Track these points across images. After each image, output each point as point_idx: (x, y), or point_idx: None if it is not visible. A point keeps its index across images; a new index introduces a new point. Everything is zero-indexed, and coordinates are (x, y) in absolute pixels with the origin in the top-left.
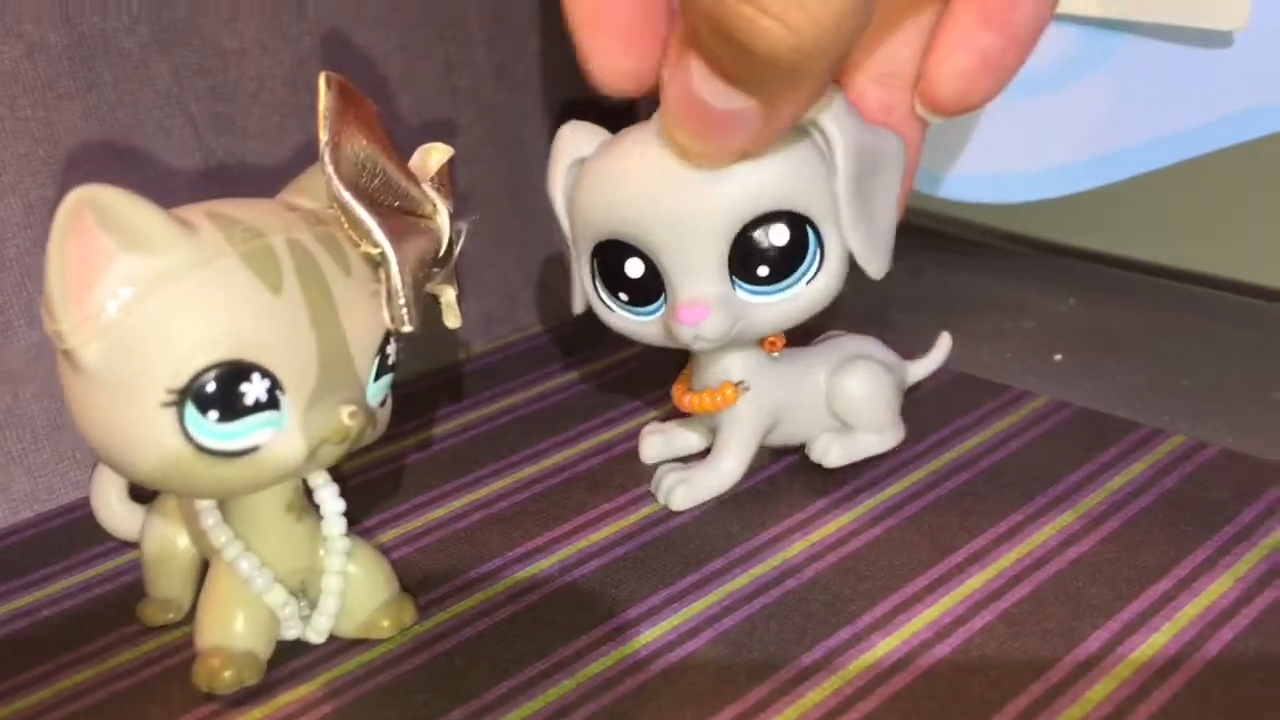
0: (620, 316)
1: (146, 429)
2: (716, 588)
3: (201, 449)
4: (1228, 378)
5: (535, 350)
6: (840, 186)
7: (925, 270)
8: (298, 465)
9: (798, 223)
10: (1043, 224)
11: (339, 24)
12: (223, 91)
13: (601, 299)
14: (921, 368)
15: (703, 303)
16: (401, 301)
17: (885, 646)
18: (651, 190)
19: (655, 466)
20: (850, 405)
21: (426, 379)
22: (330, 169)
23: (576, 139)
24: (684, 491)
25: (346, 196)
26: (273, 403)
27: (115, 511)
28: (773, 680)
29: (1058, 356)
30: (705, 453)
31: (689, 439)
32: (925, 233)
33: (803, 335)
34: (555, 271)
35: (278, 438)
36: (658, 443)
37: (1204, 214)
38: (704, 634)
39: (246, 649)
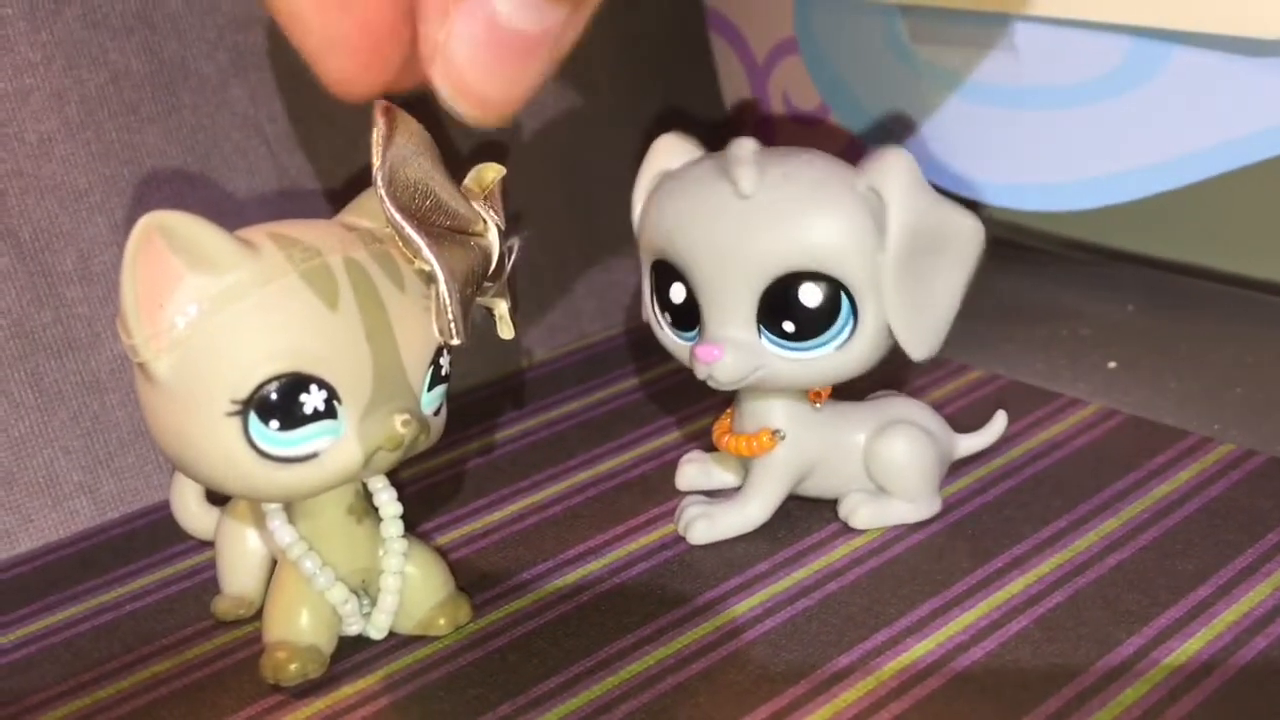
0: (666, 334)
1: (213, 437)
2: (760, 590)
3: (264, 455)
4: None
5: (595, 359)
6: (888, 261)
7: (982, 277)
8: (354, 471)
9: (833, 287)
10: (1103, 230)
11: None
12: (296, 113)
13: (655, 314)
14: (972, 443)
15: (720, 344)
16: (450, 316)
17: (920, 649)
18: (701, 222)
19: (686, 494)
20: (887, 470)
21: (489, 387)
22: (383, 192)
23: (669, 151)
24: (703, 526)
25: (399, 218)
26: (330, 412)
27: (193, 513)
28: (809, 680)
29: (1111, 364)
30: (737, 489)
31: (724, 475)
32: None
33: (853, 390)
34: (616, 283)
35: (335, 445)
36: (693, 473)
37: (1265, 221)
38: (745, 635)
39: (310, 643)
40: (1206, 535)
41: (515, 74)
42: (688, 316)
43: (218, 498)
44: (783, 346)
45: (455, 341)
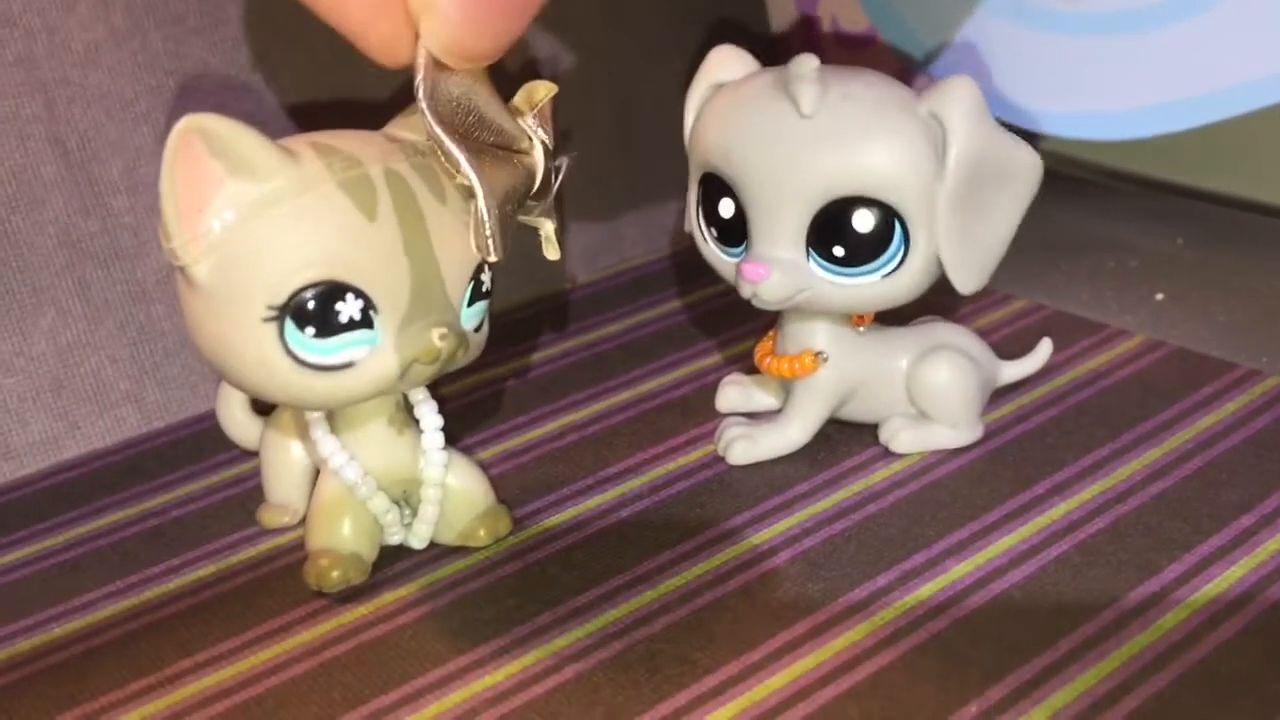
0: (710, 249)
1: (249, 342)
2: (799, 510)
3: (299, 362)
4: None
5: (637, 281)
6: (945, 190)
7: (1030, 207)
8: (390, 382)
9: (887, 214)
10: (1154, 163)
11: None
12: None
13: (700, 227)
14: (1015, 370)
15: (767, 263)
16: (487, 232)
17: (959, 571)
18: (758, 137)
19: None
20: (929, 395)
21: (531, 307)
22: (424, 105)
23: (723, 63)
24: (743, 447)
25: (439, 131)
26: (366, 322)
27: (239, 421)
28: (846, 599)
29: (1159, 296)
30: (778, 412)
31: (765, 396)
32: None
33: (897, 315)
34: (660, 208)
35: (372, 355)
36: (734, 394)
37: None
38: (782, 553)
39: (352, 551)
40: (1251, 466)
41: (502, 28)
42: (735, 232)
43: (263, 407)
44: (830, 271)
45: (492, 258)
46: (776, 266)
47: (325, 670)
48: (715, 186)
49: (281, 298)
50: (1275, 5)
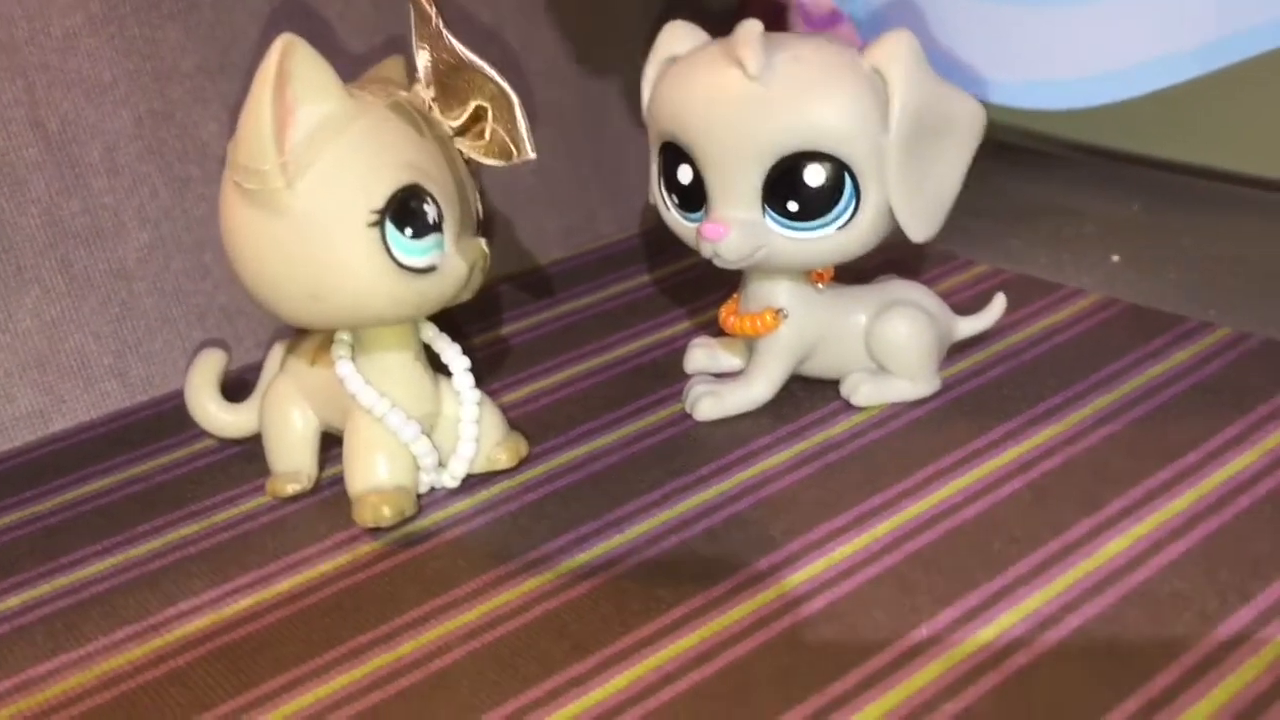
0: (672, 216)
1: (355, 251)
2: (762, 460)
3: (399, 265)
4: None
5: (610, 258)
6: (891, 142)
7: (989, 177)
8: (462, 284)
9: (837, 168)
10: (1111, 133)
11: None
12: (311, 9)
13: (662, 195)
14: (971, 325)
15: (726, 223)
16: (524, 131)
17: (914, 510)
18: (708, 103)
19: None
20: (888, 349)
21: (508, 281)
22: (448, 33)
23: (675, 37)
24: (710, 403)
25: (466, 53)
26: (439, 226)
27: (211, 414)
28: (803, 539)
29: (1115, 258)
30: (743, 372)
31: (730, 358)
32: (990, 140)
33: (856, 274)
34: (631, 187)
35: (446, 260)
36: (700, 356)
37: (1268, 119)
38: (745, 499)
39: (398, 484)
40: (1198, 409)
41: None
42: (694, 197)
43: (235, 397)
44: (786, 226)
45: (532, 155)
46: (734, 225)
47: (304, 615)
48: (673, 154)
49: (381, 200)
50: None
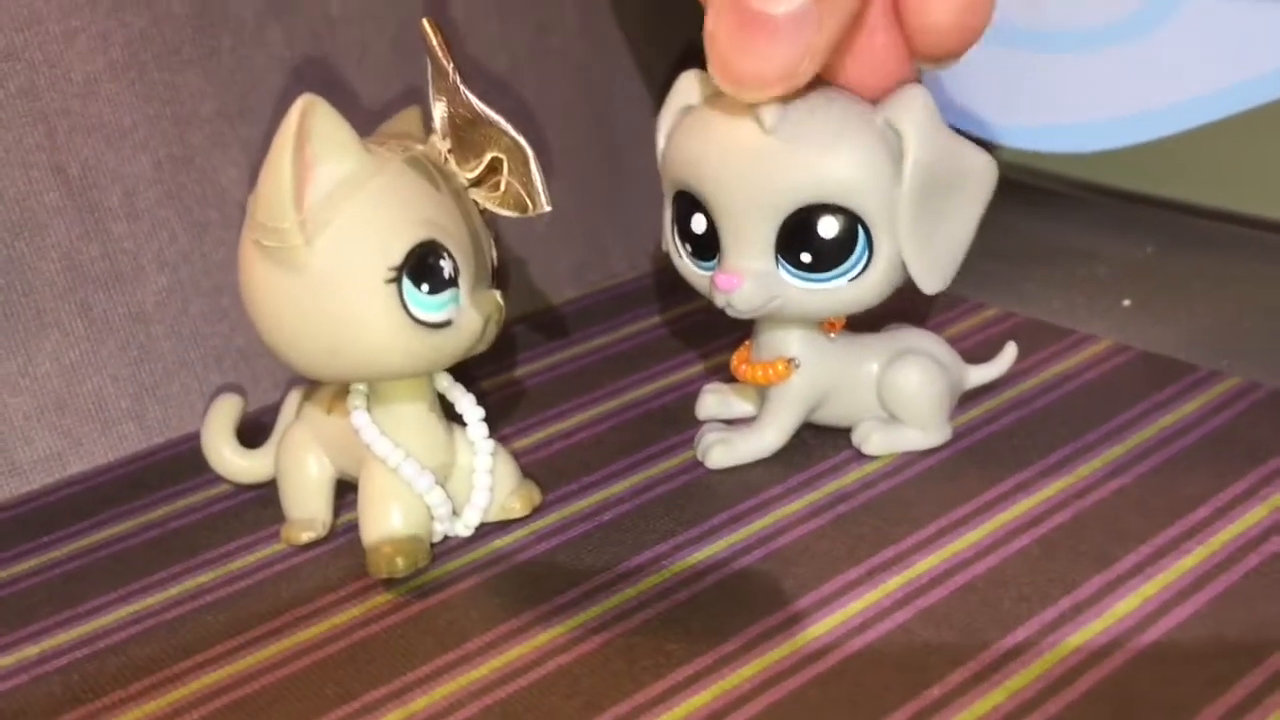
0: (685, 264)
1: (372, 307)
2: (773, 510)
3: (416, 321)
4: None
5: (623, 297)
6: (904, 195)
7: (1002, 218)
8: (477, 338)
9: (851, 220)
10: (1125, 174)
11: None
12: (330, 56)
13: (675, 243)
14: (982, 373)
15: (739, 273)
16: (539, 184)
17: (925, 565)
18: (722, 153)
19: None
20: (899, 399)
21: (520, 322)
22: (464, 88)
23: (690, 86)
24: (721, 451)
25: (482, 107)
26: (456, 281)
27: (227, 459)
28: (817, 593)
29: (1126, 302)
30: (755, 418)
31: (743, 404)
32: (1003, 181)
33: (867, 321)
34: (643, 225)
35: (461, 314)
36: (712, 402)
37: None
38: (756, 551)
39: (411, 534)
40: (1208, 462)
41: (764, 52)
42: (708, 246)
43: (250, 442)
44: (799, 277)
45: (547, 209)
46: (748, 276)
47: (319, 668)
48: (687, 203)
49: (399, 257)
50: (1228, 19)
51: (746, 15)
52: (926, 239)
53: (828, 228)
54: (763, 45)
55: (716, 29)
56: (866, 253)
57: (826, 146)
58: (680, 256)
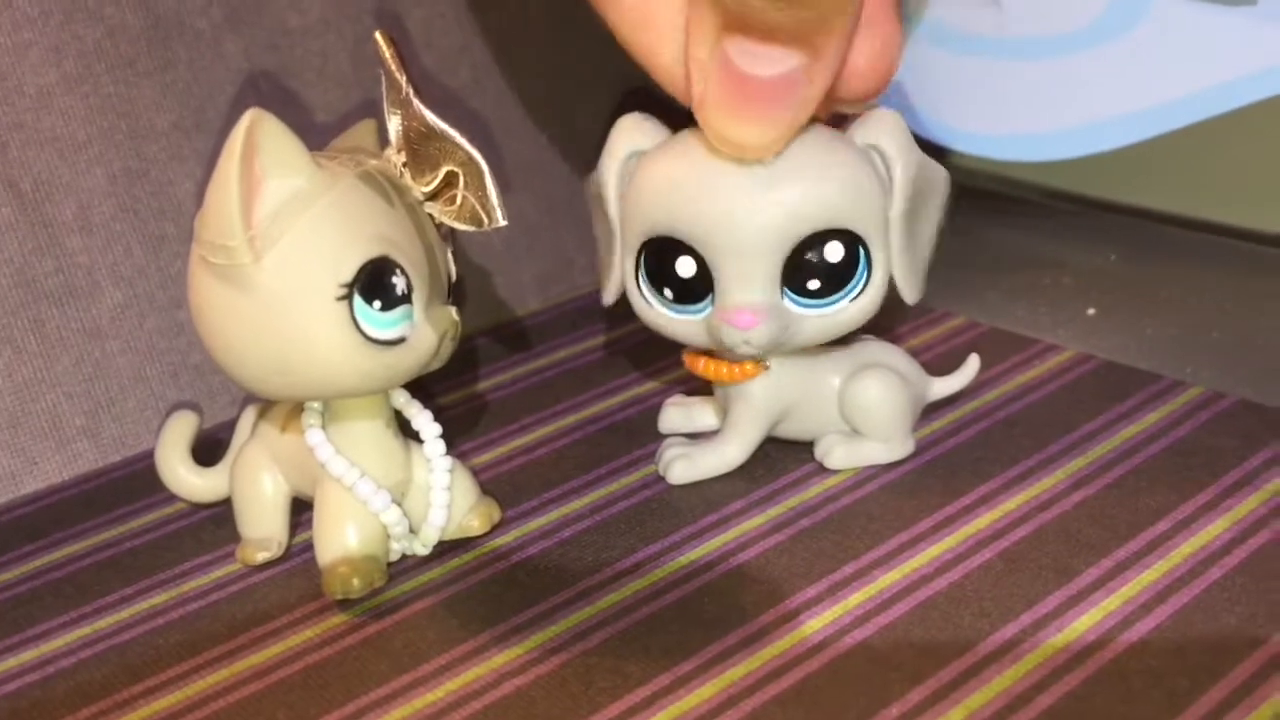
0: (658, 312)
1: (323, 325)
2: (735, 526)
3: (368, 339)
4: (1258, 331)
5: (586, 309)
6: (895, 212)
7: (966, 227)
8: (431, 355)
9: (851, 242)
10: (1088, 181)
11: (397, 2)
12: (288, 68)
13: (643, 294)
14: (945, 385)
15: (754, 310)
16: (494, 200)
17: (886, 580)
18: (714, 195)
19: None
20: (861, 412)
21: (482, 335)
22: (416, 100)
23: (635, 132)
24: (682, 466)
25: (436, 121)
26: (408, 298)
27: (181, 477)
28: (776, 610)
29: (1090, 311)
30: (718, 432)
31: (706, 417)
32: (967, 190)
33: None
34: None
35: (415, 331)
36: (676, 415)
37: (1247, 169)
38: (717, 568)
39: (368, 554)
40: (1170, 473)
41: (759, 117)
42: (694, 290)
43: (205, 459)
44: (806, 305)
45: (502, 223)
46: (762, 311)
47: (272, 692)
48: (668, 249)
49: (350, 274)
50: (1193, 25)
51: (735, 80)
52: (910, 251)
53: (834, 252)
54: (757, 111)
55: (705, 95)
56: (865, 272)
57: (823, 172)
58: (651, 306)
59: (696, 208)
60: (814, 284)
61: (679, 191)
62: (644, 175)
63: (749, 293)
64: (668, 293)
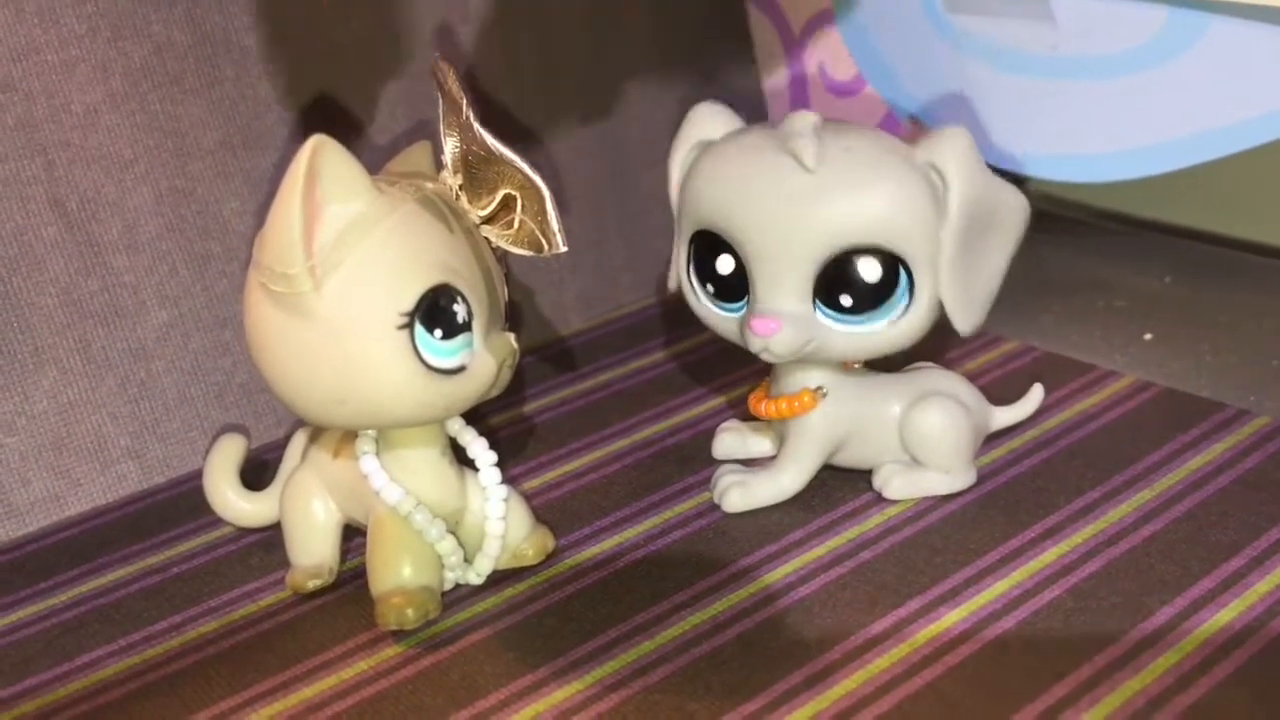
0: (703, 305)
1: (383, 353)
2: (794, 558)
3: (428, 368)
4: None
5: (632, 328)
6: (947, 235)
7: (1021, 249)
8: (490, 383)
9: (892, 262)
10: (1141, 202)
11: (444, 20)
12: (336, 86)
13: (691, 284)
14: (1007, 415)
15: (777, 317)
16: (555, 225)
17: (953, 617)
18: (757, 194)
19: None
20: (921, 441)
21: (528, 355)
22: (478, 127)
23: (708, 120)
24: (738, 495)
25: (497, 144)
26: (469, 325)
27: (230, 501)
28: (841, 647)
29: (1147, 336)
30: (773, 458)
31: (761, 443)
32: None
33: (890, 362)
34: (652, 254)
35: (475, 359)
36: (730, 441)
37: None
38: (778, 601)
39: (423, 585)
40: (1241, 507)
41: None
42: (734, 288)
43: (253, 484)
44: (837, 320)
45: (563, 249)
46: (786, 320)
47: None
48: (712, 244)
49: (411, 302)
50: (1251, 49)
51: None
52: (965, 280)
53: (870, 270)
54: None
55: None
56: (908, 295)
57: (869, 187)
58: (698, 298)
59: (740, 207)
60: (847, 300)
61: (726, 188)
62: (703, 166)
63: (778, 300)
64: (710, 287)
